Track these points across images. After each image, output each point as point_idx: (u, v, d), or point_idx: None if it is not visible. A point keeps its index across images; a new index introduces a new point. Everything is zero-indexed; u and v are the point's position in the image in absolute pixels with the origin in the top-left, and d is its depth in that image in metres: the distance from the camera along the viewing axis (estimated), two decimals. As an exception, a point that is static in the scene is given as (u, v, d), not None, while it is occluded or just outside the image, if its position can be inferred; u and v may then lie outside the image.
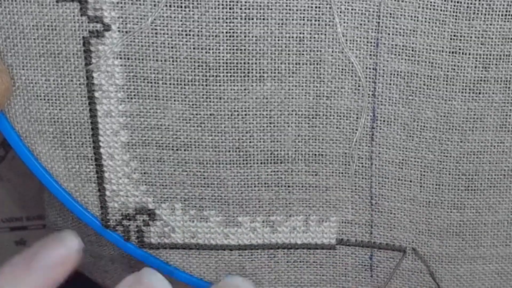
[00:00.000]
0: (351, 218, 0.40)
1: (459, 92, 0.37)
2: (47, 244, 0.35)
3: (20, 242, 0.58)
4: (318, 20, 0.36)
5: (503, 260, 0.40)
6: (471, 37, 0.35)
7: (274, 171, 0.39)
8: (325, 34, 0.36)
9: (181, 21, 0.35)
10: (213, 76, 0.36)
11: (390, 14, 0.35)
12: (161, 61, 0.36)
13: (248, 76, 0.37)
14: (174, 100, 0.37)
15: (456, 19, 0.35)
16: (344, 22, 0.36)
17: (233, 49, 0.36)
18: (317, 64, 0.36)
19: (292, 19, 0.36)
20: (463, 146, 0.38)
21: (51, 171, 0.39)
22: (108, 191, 0.39)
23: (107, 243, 0.44)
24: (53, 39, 0.36)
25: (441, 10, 0.35)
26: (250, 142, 0.38)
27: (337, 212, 0.40)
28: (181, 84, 0.37)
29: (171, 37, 0.36)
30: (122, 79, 0.37)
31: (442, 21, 0.35)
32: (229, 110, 0.37)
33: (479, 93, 0.37)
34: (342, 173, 0.39)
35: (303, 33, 0.36)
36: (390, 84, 0.37)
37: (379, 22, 0.36)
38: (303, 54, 0.36)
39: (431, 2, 0.35)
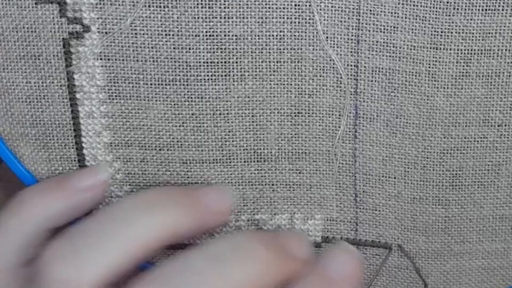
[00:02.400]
0: (336, 215, 0.40)
1: (441, 87, 0.36)
2: (79, 172, 0.38)
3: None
4: (298, 18, 0.36)
5: (489, 256, 0.40)
6: (452, 32, 0.35)
7: (257, 170, 0.39)
8: (305, 32, 0.36)
9: (160, 21, 0.35)
10: (194, 75, 0.36)
11: (370, 10, 0.35)
12: (142, 61, 0.36)
13: (229, 75, 0.37)
14: (156, 100, 0.37)
15: (436, 14, 0.35)
16: (324, 20, 0.36)
17: (213, 49, 0.36)
18: (298, 62, 0.36)
19: (272, 18, 0.35)
20: (446, 142, 0.38)
21: (35, 173, 0.39)
22: (92, 192, 0.39)
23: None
24: (33, 41, 0.36)
25: (421, 6, 0.35)
26: (233, 141, 0.38)
27: (322, 209, 0.40)
28: (162, 84, 0.37)
29: (151, 37, 0.36)
30: (103, 80, 0.37)
31: (423, 17, 0.35)
32: (211, 110, 0.37)
33: (461, 88, 0.36)
34: (325, 170, 0.39)
35: (283, 31, 0.36)
36: (372, 81, 0.37)
37: (359, 19, 0.35)
38: (283, 52, 0.36)
39: None
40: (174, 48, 0.36)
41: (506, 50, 0.35)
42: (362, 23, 0.35)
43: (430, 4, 0.35)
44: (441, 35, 0.35)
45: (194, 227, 0.36)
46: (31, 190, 0.37)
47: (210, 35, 0.36)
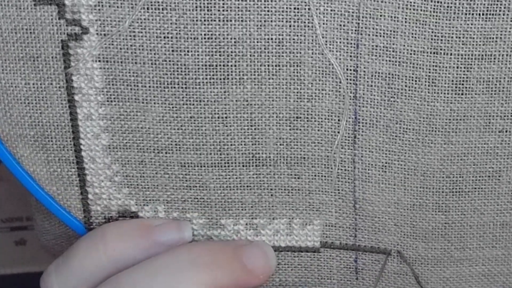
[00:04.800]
0: (335, 221, 0.40)
1: (441, 93, 0.36)
2: (165, 224, 0.39)
3: (20, 242, 0.58)
4: (297, 22, 0.35)
5: (489, 262, 0.40)
6: (452, 37, 0.35)
7: (256, 174, 0.38)
8: (305, 36, 0.36)
9: (159, 23, 0.35)
10: (192, 78, 0.36)
11: (370, 15, 0.35)
12: (140, 63, 0.36)
13: (228, 78, 0.36)
14: (154, 103, 0.37)
15: (436, 19, 0.35)
16: (324, 24, 0.35)
17: (212, 51, 0.36)
18: (297, 66, 0.36)
19: (271, 21, 0.35)
20: (446, 148, 0.37)
21: (33, 175, 0.39)
22: (91, 194, 0.39)
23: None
24: (31, 42, 0.36)
25: (421, 10, 0.35)
26: (231, 144, 0.38)
27: (320, 215, 0.39)
28: (160, 87, 0.36)
29: (149, 40, 0.36)
30: (101, 82, 0.37)
31: (423, 21, 0.35)
32: (209, 113, 0.37)
33: (462, 93, 0.36)
34: (324, 176, 0.38)
35: (282, 35, 0.36)
36: (371, 85, 0.36)
37: (358, 23, 0.35)
38: (282, 56, 0.36)
39: (411, 3, 0.34)
40: (172, 50, 0.36)
41: (507, 55, 0.35)
42: (362, 27, 0.35)
43: (430, 8, 0.34)
44: (441, 40, 0.35)
45: (236, 286, 0.37)
46: (115, 230, 0.38)
47: (208, 38, 0.35)
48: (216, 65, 0.36)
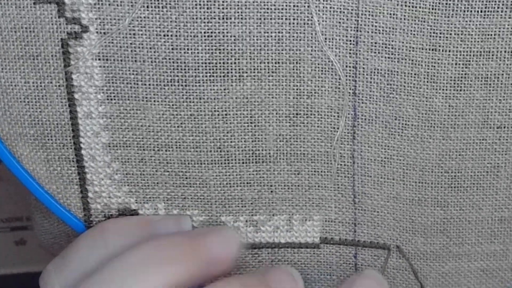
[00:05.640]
0: (335, 216, 0.40)
1: (440, 89, 0.36)
2: (164, 219, 0.38)
3: (20, 242, 0.58)
4: (297, 19, 0.35)
5: (488, 257, 0.40)
6: (450, 34, 0.35)
7: (256, 171, 0.39)
8: (304, 33, 0.36)
9: (158, 21, 0.35)
10: (192, 76, 0.36)
11: (369, 12, 0.35)
12: (140, 62, 0.36)
13: (228, 76, 0.36)
14: (154, 101, 0.37)
15: (435, 16, 0.35)
16: (323, 21, 0.35)
17: (211, 49, 0.36)
18: (296, 63, 0.36)
19: (271, 18, 0.35)
20: (445, 144, 0.37)
21: (33, 174, 0.39)
22: (91, 193, 0.39)
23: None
24: (31, 41, 0.36)
25: (419, 8, 0.35)
26: (231, 141, 0.38)
27: (320, 211, 0.39)
28: (160, 85, 0.37)
29: (149, 38, 0.36)
30: (101, 80, 0.37)
31: (421, 18, 0.35)
32: (209, 110, 0.37)
33: (460, 90, 0.36)
34: (324, 172, 0.39)
35: (282, 32, 0.36)
36: (370, 82, 0.37)
37: (358, 20, 0.35)
38: (282, 53, 0.36)
39: (409, 0, 0.35)
40: (172, 48, 0.36)
41: (505, 51, 0.35)
42: (361, 25, 0.35)
43: (429, 5, 0.35)
44: (439, 37, 0.35)
45: (197, 278, 0.36)
46: (114, 226, 0.38)
47: (208, 36, 0.36)
48: (216, 63, 0.36)
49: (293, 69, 0.36)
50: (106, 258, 0.37)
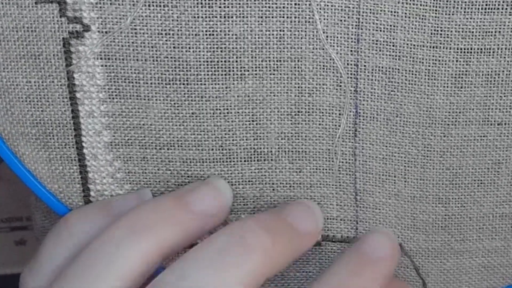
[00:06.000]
0: (336, 214, 0.40)
1: (441, 86, 0.36)
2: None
3: (20, 242, 0.58)
4: (298, 17, 0.36)
5: (489, 254, 0.40)
6: (451, 31, 0.35)
7: (257, 169, 0.39)
8: (305, 31, 0.36)
9: (160, 20, 0.35)
10: (194, 75, 0.36)
11: (370, 9, 0.35)
12: (142, 60, 0.36)
13: (229, 74, 0.37)
14: (156, 100, 0.37)
15: (436, 13, 0.35)
16: (324, 19, 0.36)
17: (213, 48, 0.36)
18: (298, 61, 0.36)
19: (272, 16, 0.35)
20: (446, 141, 0.38)
21: (35, 173, 0.39)
22: (93, 192, 0.39)
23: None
24: (33, 40, 0.36)
25: (420, 5, 0.35)
26: (233, 140, 0.38)
27: (322, 208, 0.40)
28: (162, 84, 0.37)
29: (150, 37, 0.36)
30: (103, 80, 0.37)
31: (422, 15, 0.35)
32: (211, 109, 0.37)
33: (461, 87, 0.36)
34: (326, 169, 0.39)
35: (283, 30, 0.36)
36: (372, 79, 0.37)
37: (359, 18, 0.35)
38: (283, 51, 0.36)
39: None
40: (174, 47, 0.36)
41: (506, 48, 0.35)
42: (362, 22, 0.36)
43: (430, 2, 0.35)
44: (440, 34, 0.35)
45: (190, 236, 0.36)
46: (77, 214, 0.37)
47: (210, 34, 0.36)
48: (218, 61, 0.36)
49: (295, 67, 0.36)
50: (75, 250, 0.36)
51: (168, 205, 0.36)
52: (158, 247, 0.34)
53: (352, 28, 0.36)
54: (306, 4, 0.35)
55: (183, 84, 0.37)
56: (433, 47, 0.36)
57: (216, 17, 0.35)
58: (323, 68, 0.37)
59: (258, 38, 0.36)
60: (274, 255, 0.34)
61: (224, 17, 0.35)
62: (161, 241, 0.34)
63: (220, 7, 0.35)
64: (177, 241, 0.35)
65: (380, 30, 0.36)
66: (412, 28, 0.35)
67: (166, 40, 0.36)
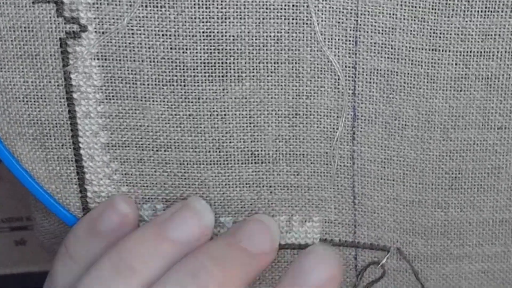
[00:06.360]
0: (334, 218, 0.40)
1: (440, 89, 0.36)
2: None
3: (20, 242, 0.58)
4: (296, 19, 0.35)
5: (489, 259, 0.40)
6: (450, 34, 0.35)
7: (255, 171, 0.38)
8: (303, 33, 0.36)
9: (157, 21, 0.35)
10: (191, 76, 0.36)
11: (368, 12, 0.35)
12: (139, 61, 0.36)
13: (226, 76, 0.36)
14: (153, 101, 0.37)
15: (435, 16, 0.35)
16: (322, 21, 0.35)
17: (210, 49, 0.36)
18: (295, 63, 0.36)
19: (270, 18, 0.35)
20: (445, 145, 0.37)
21: (32, 173, 0.39)
22: (90, 193, 0.39)
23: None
24: (30, 40, 0.36)
25: (419, 7, 0.35)
26: (230, 142, 0.38)
27: (320, 212, 0.39)
28: (159, 85, 0.36)
29: (148, 38, 0.36)
30: (100, 80, 0.37)
31: (421, 18, 0.35)
32: (208, 110, 0.37)
33: (460, 90, 0.36)
34: (323, 172, 0.38)
35: (281, 32, 0.36)
36: (370, 82, 0.36)
37: (357, 20, 0.35)
38: (281, 53, 0.36)
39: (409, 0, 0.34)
40: (171, 48, 0.36)
41: (505, 52, 0.35)
42: (360, 25, 0.35)
43: (429, 5, 0.34)
44: (439, 37, 0.35)
45: (175, 263, 0.36)
46: (72, 238, 0.38)
47: (207, 36, 0.35)
48: (215, 63, 0.36)
49: (292, 69, 0.36)
50: (78, 270, 0.37)
51: (150, 238, 0.36)
52: (143, 283, 0.35)
53: (350, 30, 0.35)
54: (304, 6, 0.35)
55: (180, 85, 0.36)
56: (432, 50, 0.35)
57: (213, 18, 0.35)
58: (321, 71, 0.36)
59: (256, 39, 0.36)
60: (229, 284, 0.35)
61: (222, 18, 0.35)
62: (145, 277, 0.35)
63: (217, 8, 0.35)
64: (161, 272, 0.35)
65: (379, 33, 0.35)
66: (411, 30, 0.35)
67: (163, 41, 0.36)
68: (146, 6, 0.35)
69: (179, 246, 0.36)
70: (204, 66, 0.36)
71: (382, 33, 0.35)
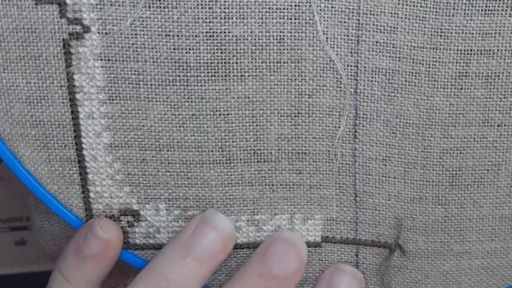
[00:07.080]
0: (336, 215, 0.40)
1: (441, 88, 0.36)
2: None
3: (20, 242, 0.58)
4: (298, 19, 0.36)
5: (489, 255, 0.40)
6: (451, 32, 0.35)
7: (257, 170, 0.39)
8: (305, 32, 0.36)
9: (160, 21, 0.35)
10: (194, 76, 0.36)
11: (370, 11, 0.35)
12: (142, 62, 0.36)
13: (229, 75, 0.37)
14: (156, 101, 0.37)
15: (436, 15, 0.35)
16: (324, 20, 0.36)
17: (213, 49, 0.36)
18: (298, 62, 0.36)
19: (272, 18, 0.35)
20: (446, 142, 0.38)
21: (35, 174, 0.39)
22: (92, 193, 0.39)
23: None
24: (33, 41, 0.36)
25: (421, 6, 0.35)
26: (232, 141, 0.38)
27: (321, 209, 0.40)
28: (162, 85, 0.37)
29: (151, 38, 0.36)
30: (103, 81, 0.37)
31: (422, 17, 0.35)
32: (210, 110, 0.37)
33: (461, 88, 0.36)
34: (325, 170, 0.39)
35: (283, 32, 0.36)
36: (371, 81, 0.37)
37: (359, 20, 0.35)
38: (283, 52, 0.36)
39: None
40: (174, 48, 0.36)
41: (505, 50, 0.35)
42: (362, 24, 0.36)
43: (430, 4, 0.35)
44: (440, 36, 0.35)
45: (206, 276, 0.37)
46: (64, 268, 0.39)
47: (210, 36, 0.36)
48: (218, 63, 0.36)
49: (295, 69, 0.36)
50: None
51: (178, 259, 0.37)
52: None
53: (352, 29, 0.36)
54: (306, 6, 0.35)
55: (183, 85, 0.37)
56: (433, 49, 0.36)
57: (216, 18, 0.35)
58: (323, 70, 0.37)
59: (258, 39, 0.36)
60: None
61: (224, 18, 0.35)
62: None
63: (220, 8, 0.35)
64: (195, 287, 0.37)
65: (380, 32, 0.36)
66: (412, 29, 0.35)
67: (166, 42, 0.36)
68: (149, 7, 0.35)
69: (207, 262, 0.37)
70: (207, 66, 0.36)
71: (383, 32, 0.36)
